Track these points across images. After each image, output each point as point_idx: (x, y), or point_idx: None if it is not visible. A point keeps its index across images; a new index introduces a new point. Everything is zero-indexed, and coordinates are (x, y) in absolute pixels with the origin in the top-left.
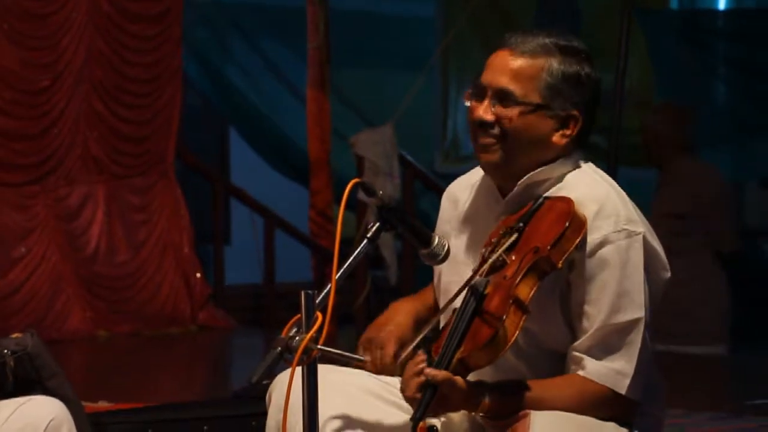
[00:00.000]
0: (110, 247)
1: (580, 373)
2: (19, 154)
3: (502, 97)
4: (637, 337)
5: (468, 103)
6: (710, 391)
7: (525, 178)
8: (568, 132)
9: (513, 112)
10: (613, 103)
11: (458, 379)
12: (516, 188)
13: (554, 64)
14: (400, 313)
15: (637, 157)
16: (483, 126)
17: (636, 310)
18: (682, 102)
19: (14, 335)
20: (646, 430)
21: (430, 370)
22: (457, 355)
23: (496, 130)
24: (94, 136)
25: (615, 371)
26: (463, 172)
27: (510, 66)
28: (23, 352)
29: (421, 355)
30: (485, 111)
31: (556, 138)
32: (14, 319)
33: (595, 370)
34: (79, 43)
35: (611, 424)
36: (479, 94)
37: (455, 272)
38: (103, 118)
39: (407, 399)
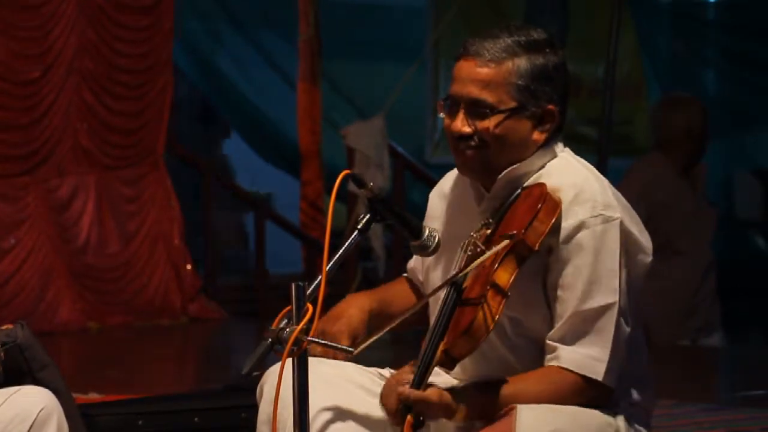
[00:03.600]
0: (101, 238)
1: (555, 363)
2: (9, 145)
3: (477, 108)
4: (609, 323)
5: (442, 115)
6: (701, 382)
7: (504, 173)
8: (546, 127)
9: (490, 122)
10: (604, 94)
11: (431, 395)
12: (496, 184)
13: (521, 64)
14: (354, 307)
15: (628, 148)
16: (462, 138)
17: (608, 295)
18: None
19: (4, 327)
20: (635, 419)
21: (403, 390)
22: (441, 347)
23: (475, 141)
24: (84, 127)
25: (590, 358)
26: (454, 163)
27: (478, 76)
28: (13, 344)
29: (407, 370)
30: (462, 123)
31: (535, 135)
32: (4, 310)
33: (570, 358)
34: (70, 34)
35: (597, 412)
36: (453, 107)
37: (441, 268)
38: (93, 110)
39: (385, 410)
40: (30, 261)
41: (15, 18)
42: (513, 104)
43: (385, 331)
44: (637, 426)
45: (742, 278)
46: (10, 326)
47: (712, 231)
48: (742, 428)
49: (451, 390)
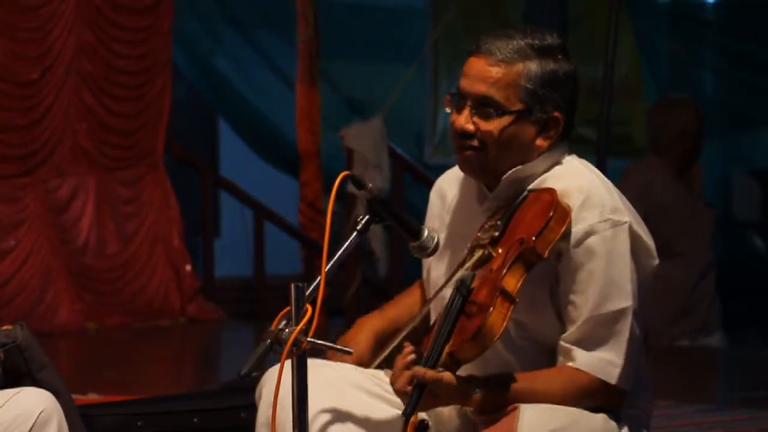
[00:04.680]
0: (100, 239)
1: (570, 364)
2: (8, 146)
3: (483, 105)
4: (625, 326)
5: (448, 110)
6: (699, 383)
7: (508, 175)
8: (550, 134)
9: (493, 124)
10: (602, 95)
11: (446, 375)
12: (500, 185)
13: (532, 68)
14: (362, 334)
15: (626, 149)
16: (464, 136)
17: (623, 299)
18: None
19: (4, 327)
20: (634, 421)
21: (418, 369)
22: (447, 349)
23: (476, 141)
24: (83, 128)
25: (605, 361)
26: (453, 164)
27: (488, 74)
28: (13, 345)
29: (409, 347)
30: (466, 120)
31: (538, 142)
32: (3, 311)
33: (585, 360)
34: (69, 36)
35: (600, 416)
36: (460, 102)
37: (444, 267)
38: (92, 111)
39: (397, 392)
40: (29, 262)
41: (14, 19)
42: (519, 106)
43: (397, 341)
44: (639, 429)
45: (739, 279)
46: (9, 327)
47: (711, 232)
48: (740, 429)
49: (465, 377)
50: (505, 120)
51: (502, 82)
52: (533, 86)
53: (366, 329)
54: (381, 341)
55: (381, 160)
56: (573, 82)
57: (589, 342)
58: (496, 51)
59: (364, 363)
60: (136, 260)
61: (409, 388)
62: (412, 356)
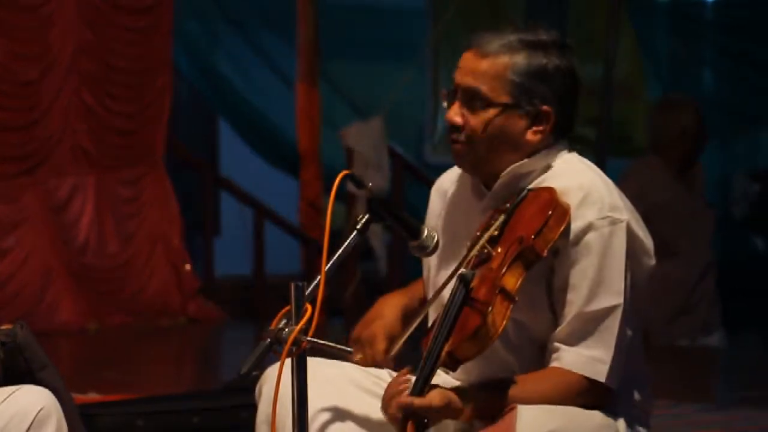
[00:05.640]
0: (100, 239)
1: (557, 364)
2: (8, 146)
3: (470, 97)
4: (614, 324)
5: (445, 105)
6: (698, 382)
7: (506, 171)
8: (540, 128)
9: (480, 117)
10: (602, 94)
11: (435, 399)
12: (499, 182)
13: (519, 61)
14: (388, 308)
15: (627, 148)
16: (453, 129)
17: (613, 297)
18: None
19: (4, 327)
20: (635, 421)
21: (404, 399)
22: (446, 348)
23: (464, 135)
24: (83, 128)
25: (593, 359)
26: (453, 164)
27: (476, 67)
28: (13, 344)
29: (404, 373)
30: (455, 113)
31: (529, 136)
32: (3, 311)
33: (573, 359)
34: (68, 35)
35: (598, 414)
36: (451, 96)
37: (443, 266)
38: (92, 111)
39: (387, 417)
40: (29, 262)
41: (14, 19)
42: (506, 99)
43: (406, 335)
44: (638, 427)
45: (739, 279)
46: (9, 326)
47: (711, 232)
48: (739, 429)
49: (455, 390)
50: (492, 112)
51: (489, 75)
52: (520, 79)
53: (391, 304)
54: (407, 315)
55: (381, 160)
56: (567, 78)
57: (578, 339)
58: (485, 45)
59: (395, 335)
60: (136, 260)
61: (399, 414)
62: (405, 385)
